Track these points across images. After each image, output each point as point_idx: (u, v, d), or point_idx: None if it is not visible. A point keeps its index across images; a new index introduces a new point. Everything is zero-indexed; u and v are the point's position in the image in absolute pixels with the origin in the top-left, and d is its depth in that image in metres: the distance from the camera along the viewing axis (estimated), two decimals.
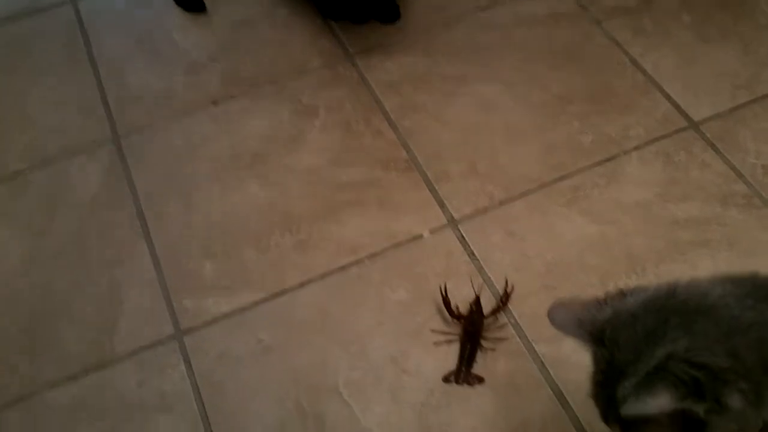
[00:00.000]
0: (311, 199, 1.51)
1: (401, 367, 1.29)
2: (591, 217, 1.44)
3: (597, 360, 0.85)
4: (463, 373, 1.27)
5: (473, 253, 1.41)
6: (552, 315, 0.91)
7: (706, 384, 0.77)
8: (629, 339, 0.81)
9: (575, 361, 1.26)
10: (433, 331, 1.32)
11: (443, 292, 1.33)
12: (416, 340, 1.32)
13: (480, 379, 1.27)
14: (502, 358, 1.29)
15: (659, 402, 0.77)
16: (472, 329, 1.30)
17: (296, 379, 1.29)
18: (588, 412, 1.21)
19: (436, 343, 1.31)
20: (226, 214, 1.50)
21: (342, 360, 1.31)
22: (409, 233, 1.45)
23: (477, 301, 1.32)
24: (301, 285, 1.40)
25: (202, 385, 1.29)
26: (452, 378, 1.27)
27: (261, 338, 1.34)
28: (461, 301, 1.33)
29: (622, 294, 0.87)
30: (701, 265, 1.35)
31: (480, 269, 1.39)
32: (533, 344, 1.30)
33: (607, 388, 0.83)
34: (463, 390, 1.26)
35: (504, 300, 1.33)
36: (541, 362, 1.28)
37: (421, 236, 1.45)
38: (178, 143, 1.61)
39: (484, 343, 1.30)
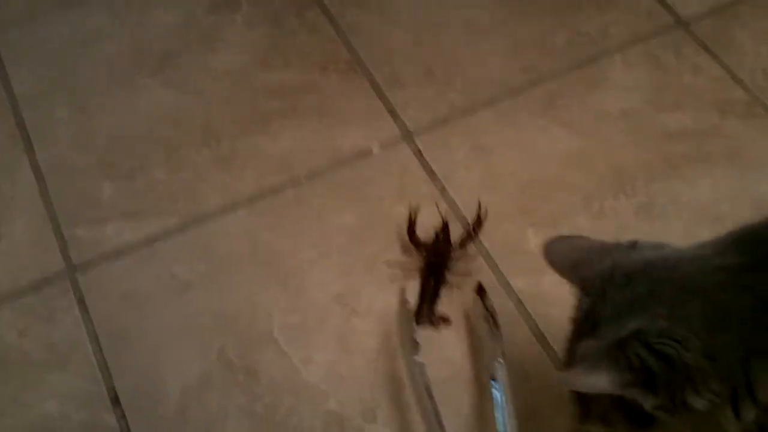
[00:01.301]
0: (234, 107, 1.30)
1: (350, 307, 1.10)
2: (571, 129, 1.25)
3: (578, 308, 0.79)
4: (426, 313, 1.08)
5: (433, 172, 1.21)
6: (549, 248, 0.84)
7: (661, 377, 0.69)
8: (615, 298, 0.74)
9: (556, 295, 1.06)
10: (388, 264, 1.12)
11: (412, 215, 1.13)
12: (367, 275, 1.12)
13: (445, 320, 1.08)
14: (471, 294, 1.10)
15: (597, 381, 0.71)
16: (436, 261, 1.11)
17: (221, 324, 1.09)
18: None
19: (392, 278, 1.11)
20: (129, 125, 1.28)
21: (277, 300, 1.11)
22: (355, 148, 1.25)
23: (445, 228, 1.12)
24: (224, 210, 1.19)
25: (102, 333, 1.08)
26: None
27: (175, 274, 1.12)
28: (419, 229, 1.14)
29: (631, 245, 0.78)
30: (699, 182, 1.19)
31: (442, 190, 1.19)
32: (507, 278, 1.11)
33: (574, 340, 0.78)
34: (426, 333, 1.06)
35: (476, 227, 1.13)
36: (518, 298, 1.09)
37: (370, 151, 1.25)
38: (66, 39, 1.38)
39: (449, 277, 1.11)
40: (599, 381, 0.71)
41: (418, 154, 1.23)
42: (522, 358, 1.05)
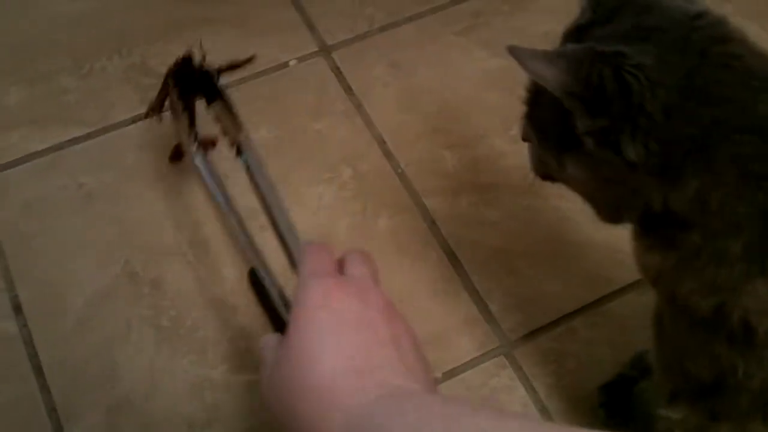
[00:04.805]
0: (146, 12, 1.30)
1: (261, 222, 1.13)
2: (492, 50, 1.29)
3: (576, 19, 0.76)
4: (197, 144, 1.01)
5: (350, 88, 1.25)
6: None
7: (609, 103, 0.66)
8: (621, 22, 0.70)
9: (471, 216, 1.15)
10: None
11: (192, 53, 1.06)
12: (284, 186, 1.15)
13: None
14: (384, 213, 1.15)
15: (545, 71, 0.68)
16: (185, 82, 1.05)
17: (127, 236, 1.12)
18: (479, 273, 1.11)
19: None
20: (35, 28, 1.28)
21: (185, 213, 1.14)
22: (271, 60, 1.27)
23: (187, 56, 1.06)
24: (134, 120, 1.21)
25: (5, 240, 1.11)
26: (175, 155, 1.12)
27: (82, 183, 1.15)
28: None
29: None
30: None
31: (358, 106, 1.23)
32: (422, 197, 1.17)
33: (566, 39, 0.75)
34: None
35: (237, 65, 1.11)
36: (432, 219, 1.15)
37: (286, 65, 1.27)
38: None
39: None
40: (547, 72, 0.68)
41: (336, 69, 1.27)
42: (432, 277, 1.11)
